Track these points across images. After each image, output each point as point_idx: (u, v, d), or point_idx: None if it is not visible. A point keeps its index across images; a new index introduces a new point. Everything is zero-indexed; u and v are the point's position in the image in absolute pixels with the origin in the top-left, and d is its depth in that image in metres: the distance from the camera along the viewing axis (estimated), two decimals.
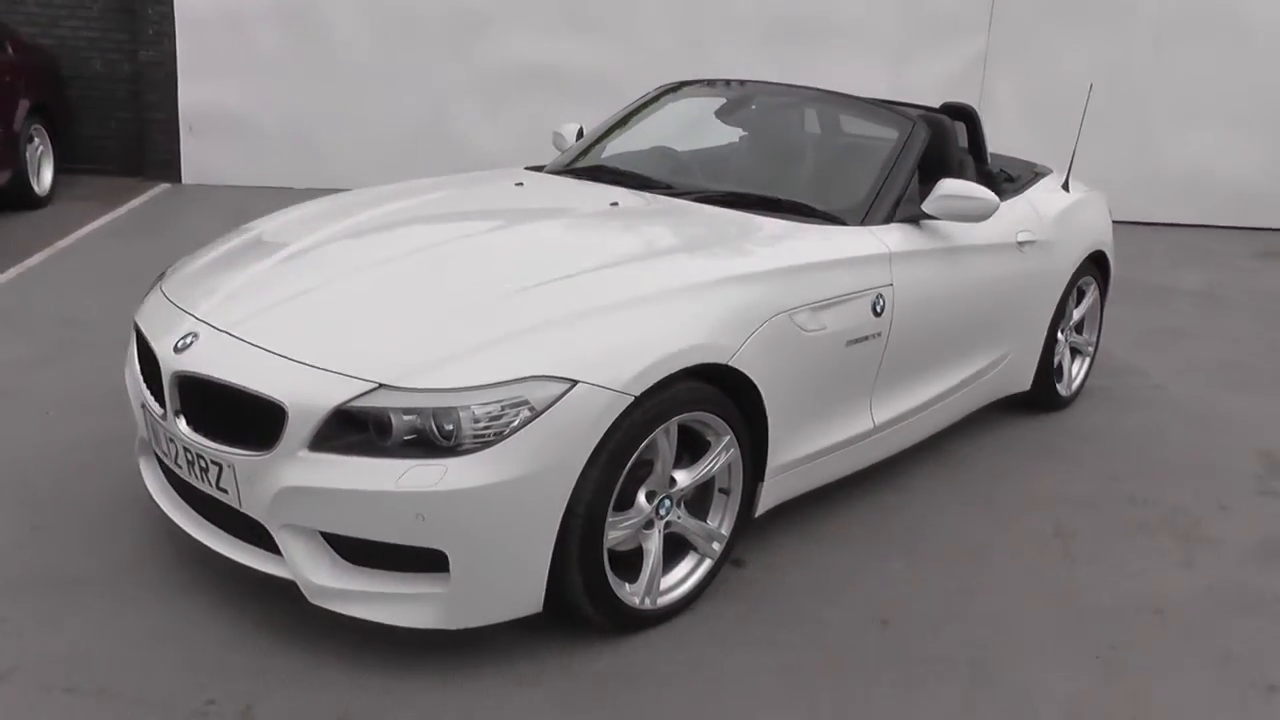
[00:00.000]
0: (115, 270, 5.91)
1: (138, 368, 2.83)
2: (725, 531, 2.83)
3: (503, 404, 2.28)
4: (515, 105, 8.63)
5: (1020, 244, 3.89)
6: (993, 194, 3.39)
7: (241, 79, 8.20)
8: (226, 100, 8.22)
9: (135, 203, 7.63)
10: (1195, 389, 4.94)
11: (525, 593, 2.41)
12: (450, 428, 2.27)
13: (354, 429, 2.33)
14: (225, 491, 2.46)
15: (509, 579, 2.38)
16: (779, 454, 2.92)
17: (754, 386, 2.73)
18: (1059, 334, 4.35)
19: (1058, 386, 4.46)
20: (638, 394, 2.40)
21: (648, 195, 3.45)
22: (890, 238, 3.31)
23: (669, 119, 4.30)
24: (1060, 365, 4.44)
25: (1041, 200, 4.22)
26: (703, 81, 4.47)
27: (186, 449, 2.52)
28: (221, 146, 8.31)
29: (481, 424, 2.27)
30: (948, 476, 3.79)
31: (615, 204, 3.32)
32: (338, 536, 2.38)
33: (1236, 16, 9.19)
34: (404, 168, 8.50)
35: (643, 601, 2.63)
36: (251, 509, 2.42)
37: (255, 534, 2.50)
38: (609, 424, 2.37)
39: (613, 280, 2.68)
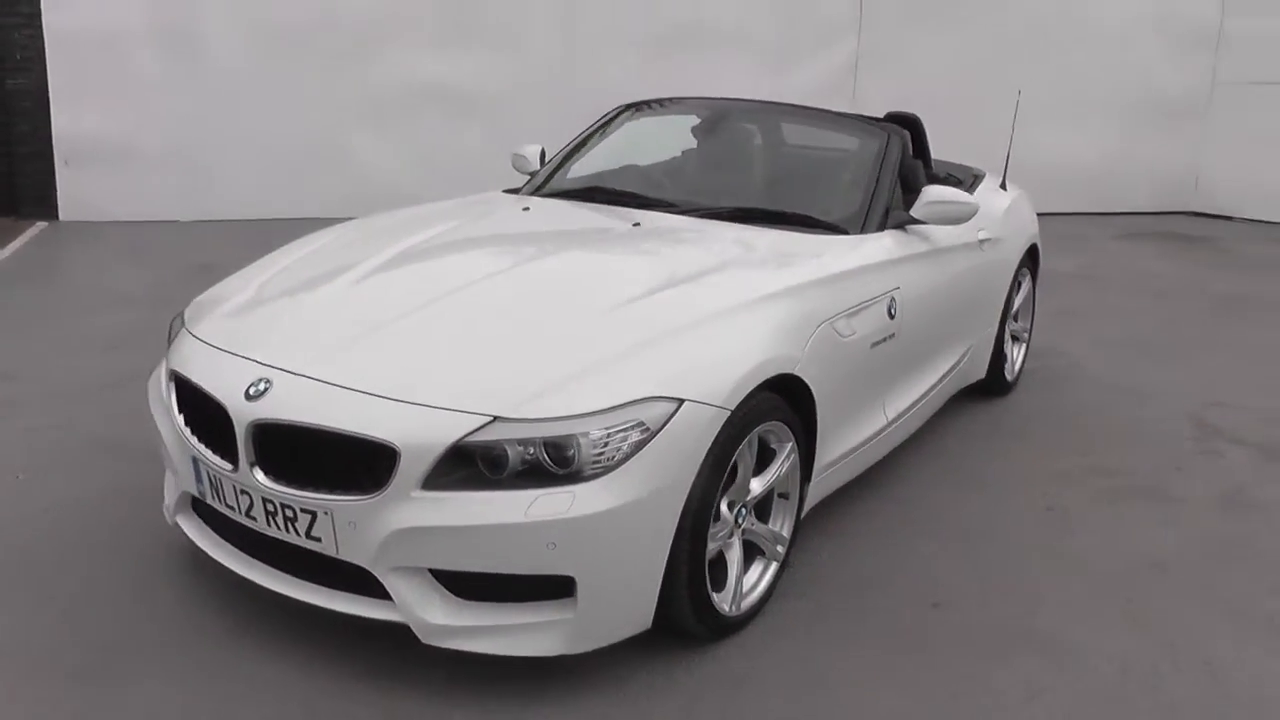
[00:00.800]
0: (22, 319, 5.54)
1: (180, 420, 2.71)
2: (786, 534, 2.94)
3: (618, 427, 2.32)
4: (407, 123, 8.52)
5: (981, 242, 4.17)
6: (973, 198, 3.64)
7: (120, 105, 7.77)
8: (105, 128, 7.77)
9: (16, 244, 7.12)
10: (1109, 365, 5.38)
11: (640, 611, 2.46)
12: (569, 454, 2.29)
13: (463, 464, 2.32)
14: (318, 540, 2.40)
15: (627, 599, 2.42)
16: (822, 456, 3.06)
17: (808, 393, 2.85)
18: (1006, 323, 4.67)
19: (1004, 372, 4.78)
20: (733, 408, 2.49)
21: (660, 215, 3.52)
22: (889, 243, 3.50)
23: (637, 138, 4.40)
24: (1005, 352, 4.77)
25: (989, 200, 4.52)
26: (658, 101, 4.58)
27: (267, 500, 2.44)
28: (101, 179, 7.85)
29: (598, 448, 2.30)
30: (935, 465, 4.02)
31: (638, 224, 3.39)
32: (447, 572, 2.36)
33: (1081, 18, 9.99)
34: (298, 193, 8.28)
35: (731, 608, 2.71)
36: (352, 555, 2.37)
37: (347, 580, 2.45)
38: (712, 439, 2.44)
39: (682, 299, 2.76)
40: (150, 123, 7.88)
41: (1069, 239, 8.70)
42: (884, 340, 3.29)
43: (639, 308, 2.69)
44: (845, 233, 3.47)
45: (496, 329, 2.63)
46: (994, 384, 4.69)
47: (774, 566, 2.91)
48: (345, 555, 2.39)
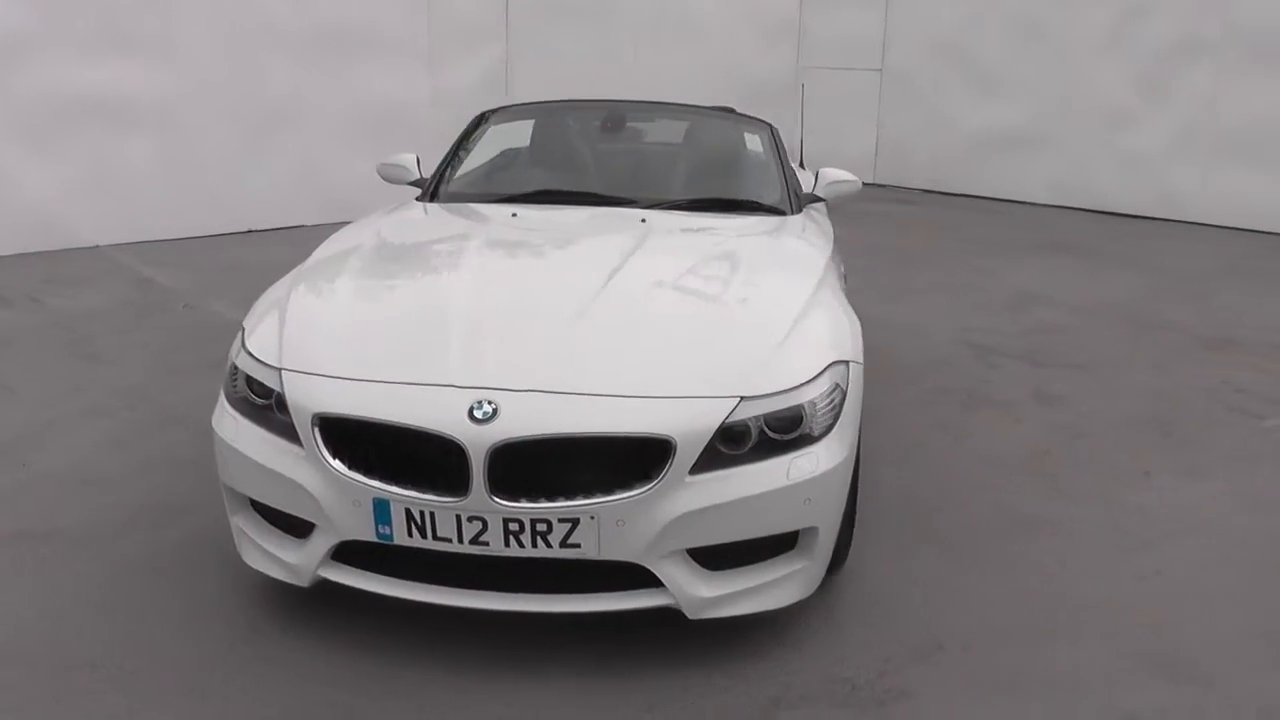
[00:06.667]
0: None
1: (338, 465, 2.53)
2: None
3: (828, 390, 2.66)
4: (65, 140, 7.49)
5: None
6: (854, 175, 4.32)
7: None
8: None
9: None
10: (862, 311, 6.44)
11: (832, 549, 2.80)
12: (799, 420, 2.58)
13: (709, 446, 2.50)
14: (577, 546, 2.45)
15: (833, 540, 2.76)
16: None
17: None
18: None
19: None
20: (862, 364, 2.91)
21: (642, 211, 3.77)
22: (820, 219, 4.08)
23: (522, 141, 4.54)
24: None
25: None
26: (515, 106, 4.76)
27: (510, 521, 2.43)
28: None
29: (818, 412, 2.62)
30: None
31: (644, 220, 3.63)
32: (699, 549, 2.54)
33: (686, 14, 11.31)
34: None
35: None
36: (617, 553, 2.46)
37: (581, 581, 2.54)
38: (861, 392, 2.85)
39: (772, 279, 3.17)
40: None
41: None
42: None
43: (753, 288, 3.05)
44: (783, 214, 3.98)
45: (656, 324, 2.81)
46: None
47: None
48: (608, 555, 2.47)
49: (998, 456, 4.17)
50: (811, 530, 2.64)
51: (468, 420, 2.43)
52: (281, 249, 7.76)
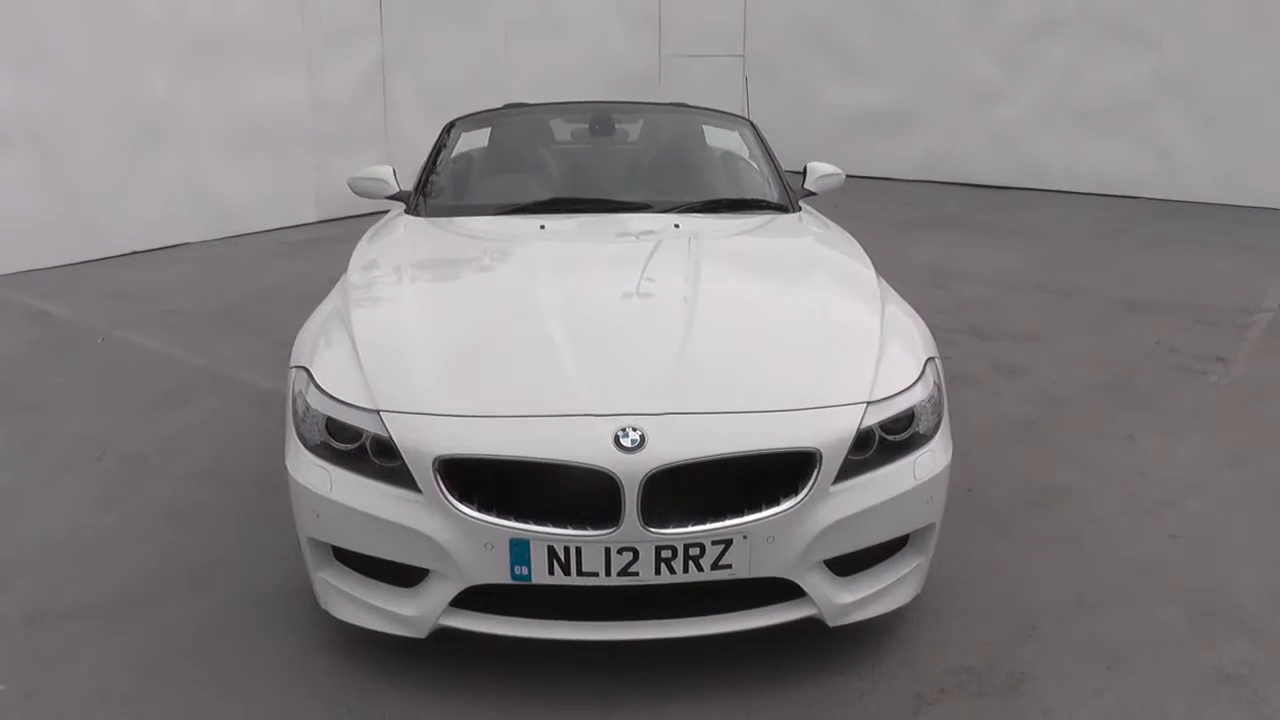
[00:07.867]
0: None
1: (466, 509, 2.40)
2: None
3: (932, 388, 2.71)
4: None
5: None
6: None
7: None
8: None
9: None
10: None
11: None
12: (912, 421, 2.62)
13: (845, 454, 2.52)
14: (728, 567, 2.42)
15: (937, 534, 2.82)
16: None
17: None
18: None
19: None
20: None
21: (665, 216, 3.74)
22: (818, 214, 4.14)
23: (499, 148, 4.41)
24: None
25: None
26: (484, 113, 4.63)
27: (663, 548, 2.37)
28: None
29: (927, 410, 2.67)
30: None
31: (678, 226, 3.59)
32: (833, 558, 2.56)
33: (558, 11, 11.23)
34: None
35: None
36: (765, 569, 2.44)
37: (709, 600, 2.51)
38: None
39: (840, 283, 3.21)
40: None
41: None
42: None
43: (830, 293, 3.06)
44: (787, 210, 4.02)
45: (760, 335, 2.79)
46: None
47: None
48: (757, 572, 2.44)
49: (993, 431, 4.36)
50: (929, 527, 2.70)
51: (616, 450, 2.35)
52: (172, 269, 7.30)
